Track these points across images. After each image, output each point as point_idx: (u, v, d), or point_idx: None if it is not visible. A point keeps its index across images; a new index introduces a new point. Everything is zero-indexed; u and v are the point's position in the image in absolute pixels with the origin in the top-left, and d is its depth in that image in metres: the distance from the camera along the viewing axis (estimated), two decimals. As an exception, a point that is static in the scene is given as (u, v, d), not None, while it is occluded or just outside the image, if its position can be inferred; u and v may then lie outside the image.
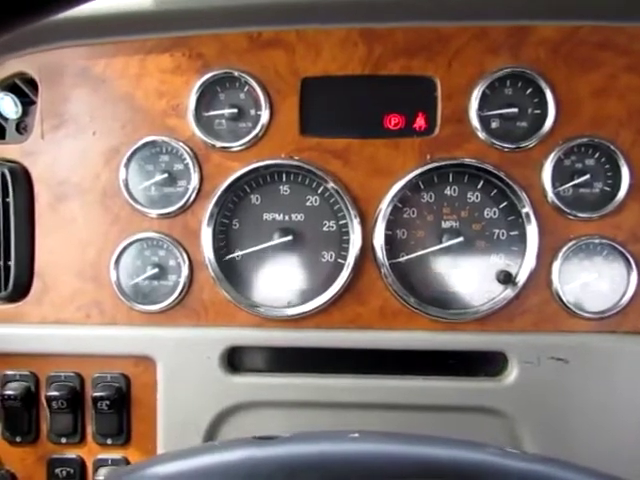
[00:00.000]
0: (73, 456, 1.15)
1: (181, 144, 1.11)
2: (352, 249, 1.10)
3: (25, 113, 1.16)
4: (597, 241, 1.09)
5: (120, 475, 0.70)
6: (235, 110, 1.11)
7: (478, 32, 1.09)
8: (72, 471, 1.14)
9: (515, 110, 1.09)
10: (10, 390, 1.10)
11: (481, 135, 1.09)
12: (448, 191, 1.12)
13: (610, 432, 1.08)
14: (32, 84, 1.15)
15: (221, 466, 0.61)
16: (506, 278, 1.08)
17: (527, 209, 1.08)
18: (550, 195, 1.09)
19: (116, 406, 1.10)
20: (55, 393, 1.10)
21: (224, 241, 1.13)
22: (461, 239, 1.09)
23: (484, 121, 1.09)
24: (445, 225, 1.12)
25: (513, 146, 1.09)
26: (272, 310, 1.12)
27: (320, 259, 1.13)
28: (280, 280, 1.13)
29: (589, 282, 1.10)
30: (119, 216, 1.13)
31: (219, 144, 1.11)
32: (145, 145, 1.12)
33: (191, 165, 1.11)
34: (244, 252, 1.12)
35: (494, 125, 1.10)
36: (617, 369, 1.08)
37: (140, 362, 1.12)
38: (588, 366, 1.08)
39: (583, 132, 1.09)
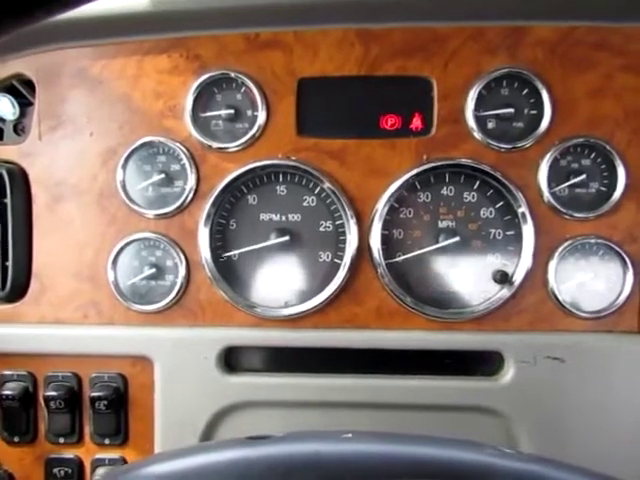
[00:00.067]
0: (71, 456, 1.15)
1: (178, 145, 1.11)
2: (349, 249, 1.10)
3: (23, 114, 1.16)
4: (593, 241, 1.09)
5: (115, 475, 0.70)
6: (232, 111, 1.11)
7: (474, 32, 1.09)
8: (70, 471, 1.14)
9: (511, 110, 1.09)
10: (8, 390, 1.11)
11: (477, 135, 1.09)
12: (444, 191, 1.12)
13: (606, 432, 1.08)
14: (29, 85, 1.15)
15: (214, 466, 0.61)
16: (502, 278, 1.09)
17: (523, 209, 1.09)
18: (546, 195, 1.09)
19: (114, 406, 1.10)
20: (53, 393, 1.10)
21: (221, 241, 1.13)
22: (457, 239, 1.09)
23: (480, 121, 1.09)
24: (441, 225, 1.12)
25: (509, 146, 1.09)
26: (269, 310, 1.12)
27: (317, 259, 1.13)
28: (277, 280, 1.14)
29: (585, 282, 1.11)
30: (116, 217, 1.13)
31: (216, 145, 1.11)
32: (142, 146, 1.12)
33: (188, 166, 1.11)
34: (240, 251, 1.12)
35: (490, 125, 1.11)
36: (613, 368, 1.09)
37: (137, 362, 1.12)
38: (584, 365, 1.08)
39: (579, 132, 1.09)
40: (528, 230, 1.09)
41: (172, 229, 1.13)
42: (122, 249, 1.13)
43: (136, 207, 1.12)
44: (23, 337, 1.13)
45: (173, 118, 1.12)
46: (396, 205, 1.12)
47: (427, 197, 1.12)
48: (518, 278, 1.09)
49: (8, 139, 1.18)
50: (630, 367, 1.09)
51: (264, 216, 1.13)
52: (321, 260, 1.13)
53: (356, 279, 1.11)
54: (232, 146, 1.11)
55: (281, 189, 1.13)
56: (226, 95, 1.12)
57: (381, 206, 1.10)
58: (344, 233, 1.11)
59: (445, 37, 1.09)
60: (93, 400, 1.09)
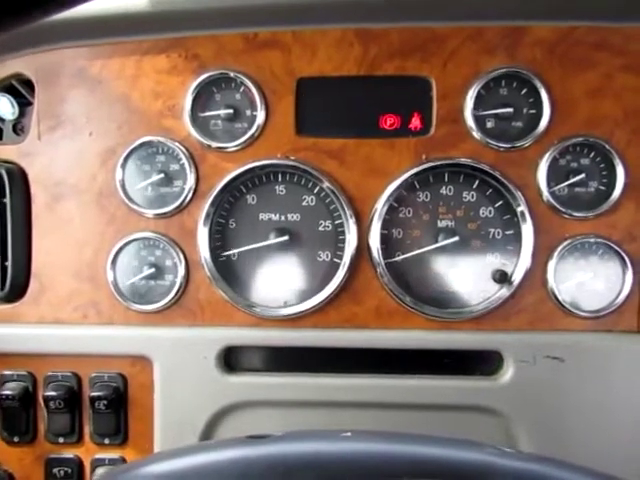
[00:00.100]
0: (71, 456, 1.15)
1: (177, 144, 1.11)
2: (348, 249, 1.10)
3: (22, 114, 1.16)
4: (592, 240, 1.09)
5: (115, 474, 0.70)
6: (231, 110, 1.11)
7: (473, 32, 1.09)
8: (70, 471, 1.14)
9: (510, 110, 1.09)
10: (8, 390, 1.11)
11: (476, 135, 1.09)
12: (444, 190, 1.12)
13: (606, 431, 1.08)
14: (29, 85, 1.15)
15: (214, 465, 0.61)
16: (502, 277, 1.09)
17: (522, 208, 1.09)
18: (545, 194, 1.09)
19: (113, 406, 1.10)
20: (52, 393, 1.10)
21: (220, 241, 1.13)
22: (457, 238, 1.09)
23: (479, 121, 1.09)
24: (441, 224, 1.12)
25: (508, 146, 1.09)
26: (268, 310, 1.12)
27: (316, 259, 1.13)
28: (276, 280, 1.14)
29: (584, 281, 1.11)
30: (115, 216, 1.13)
31: (215, 144, 1.11)
32: (141, 145, 1.12)
33: (187, 165, 1.11)
34: (239, 250, 1.12)
35: (489, 125, 1.11)
36: (613, 368, 1.09)
37: (137, 362, 1.12)
38: (584, 365, 1.08)
39: (578, 132, 1.09)
40: (527, 229, 1.09)
41: (171, 229, 1.13)
42: (121, 249, 1.13)
43: (135, 207, 1.12)
44: (23, 337, 1.13)
45: (172, 118, 1.12)
46: (395, 205, 1.12)
47: (426, 197, 1.12)
48: (517, 277, 1.09)
49: (7, 139, 1.18)
50: (629, 366, 1.09)
51: (263, 216, 1.13)
52: (320, 260, 1.13)
53: (355, 279, 1.11)
54: (231, 146, 1.11)
55: (280, 189, 1.13)
56: (225, 95, 1.12)
57: (380, 206, 1.10)
58: (343, 233, 1.11)
59: (444, 37, 1.09)
60: (93, 400, 1.09)
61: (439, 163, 1.09)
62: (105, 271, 1.13)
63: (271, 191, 1.13)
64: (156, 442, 1.11)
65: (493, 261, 1.12)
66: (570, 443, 1.08)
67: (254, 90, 1.10)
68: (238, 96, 1.12)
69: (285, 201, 1.13)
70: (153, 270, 1.13)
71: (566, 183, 1.10)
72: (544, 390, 1.08)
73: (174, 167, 1.13)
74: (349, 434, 0.66)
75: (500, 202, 1.11)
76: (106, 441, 1.14)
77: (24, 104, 1.16)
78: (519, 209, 1.09)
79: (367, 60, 1.10)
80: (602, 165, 1.10)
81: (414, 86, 1.11)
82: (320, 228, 1.13)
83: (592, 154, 1.10)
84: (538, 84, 1.08)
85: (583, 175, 1.09)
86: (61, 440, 1.14)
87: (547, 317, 1.10)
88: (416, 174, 1.10)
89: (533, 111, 1.10)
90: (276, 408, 1.11)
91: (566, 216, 1.09)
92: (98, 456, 1.15)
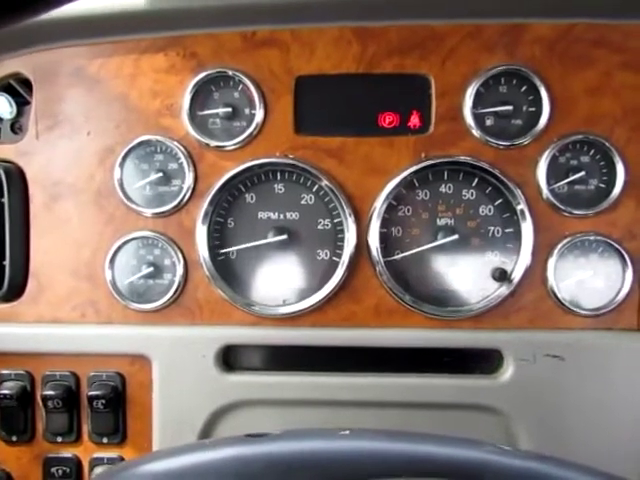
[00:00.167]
0: (69, 455, 1.15)
1: (175, 143, 1.11)
2: (347, 247, 1.10)
3: (20, 113, 1.16)
4: (592, 238, 1.09)
5: (113, 473, 0.70)
6: (229, 109, 1.11)
7: (472, 30, 1.09)
8: (68, 470, 1.14)
9: (510, 108, 1.09)
10: (5, 389, 1.10)
11: (476, 133, 1.09)
12: (443, 189, 1.12)
13: (606, 429, 1.08)
14: (27, 84, 1.15)
15: (212, 463, 0.61)
16: (501, 275, 1.08)
17: (522, 206, 1.08)
18: (545, 192, 1.09)
19: (112, 405, 1.10)
20: (51, 392, 1.10)
21: (219, 240, 1.13)
22: (456, 236, 1.09)
23: (478, 119, 1.09)
24: (440, 223, 1.12)
25: (508, 143, 1.09)
26: (267, 308, 1.12)
27: (315, 257, 1.13)
28: (275, 278, 1.13)
29: (584, 279, 1.10)
30: (114, 215, 1.13)
31: (213, 143, 1.11)
32: (139, 144, 1.12)
33: (185, 164, 1.11)
34: (238, 248, 1.12)
35: (489, 123, 1.10)
36: (613, 366, 1.08)
37: (136, 361, 1.12)
38: (584, 363, 1.08)
39: (578, 129, 1.09)
40: (527, 227, 1.09)
41: (170, 228, 1.12)
42: (120, 248, 1.12)
43: (134, 206, 1.12)
44: (21, 336, 1.13)
45: (170, 117, 1.12)
46: (394, 203, 1.11)
47: (425, 195, 1.12)
48: (517, 276, 1.09)
49: (5, 138, 1.18)
50: (629, 364, 1.08)
51: (262, 214, 1.13)
52: (319, 258, 1.13)
53: (354, 277, 1.11)
54: (230, 144, 1.11)
55: (279, 187, 1.13)
56: (223, 93, 1.12)
57: (379, 204, 1.09)
58: (342, 231, 1.11)
59: (443, 35, 1.09)
60: (91, 399, 1.09)
61: (438, 161, 1.09)
62: (103, 270, 1.12)
63: (270, 190, 1.13)
64: (155, 441, 1.11)
65: (493, 259, 1.12)
66: (570, 441, 1.08)
67: (253, 89, 1.10)
68: (236, 95, 1.12)
69: (284, 200, 1.13)
70: (152, 269, 1.12)
71: (566, 181, 1.09)
72: (544, 388, 1.08)
73: (172, 166, 1.13)
74: (347, 433, 0.66)
75: (500, 200, 1.11)
76: (104, 440, 1.14)
77: (22, 103, 1.16)
78: (519, 207, 1.09)
79: (366, 58, 1.09)
80: (602, 163, 1.10)
81: (413, 84, 1.10)
82: (319, 227, 1.13)
83: (592, 152, 1.10)
84: (537, 82, 1.08)
85: (583, 173, 1.09)
86: (59, 439, 1.14)
87: (547, 315, 1.10)
88: (415, 172, 1.09)
89: (532, 109, 1.09)
90: (275, 407, 1.11)
91: (566, 214, 1.09)
92: (96, 455, 1.14)
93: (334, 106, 1.12)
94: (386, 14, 1.09)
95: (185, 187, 1.11)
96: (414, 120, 1.11)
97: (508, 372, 1.08)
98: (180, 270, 1.11)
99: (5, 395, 1.10)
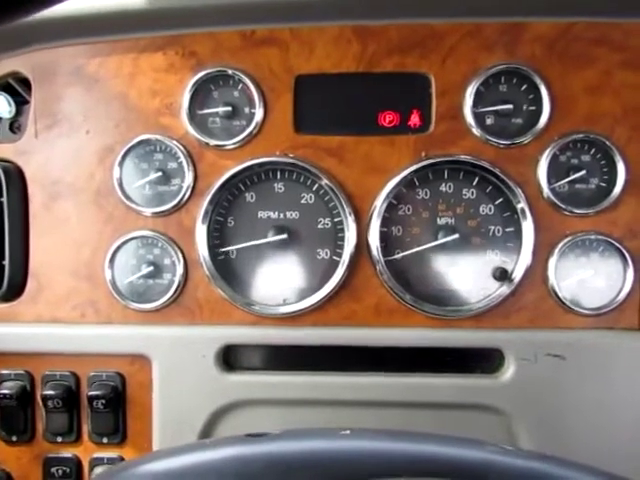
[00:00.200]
0: (69, 455, 1.15)
1: (175, 142, 1.11)
2: (347, 246, 1.10)
3: (19, 112, 1.16)
4: (593, 237, 1.09)
5: (113, 473, 0.70)
6: (229, 108, 1.11)
7: (472, 29, 1.09)
8: (68, 470, 1.14)
9: (510, 106, 1.09)
10: (5, 389, 1.10)
11: (476, 132, 1.09)
12: (443, 188, 1.12)
13: (607, 429, 1.07)
14: (25, 83, 1.15)
15: (212, 463, 0.61)
16: (502, 275, 1.08)
17: (523, 205, 1.08)
18: (546, 191, 1.08)
19: (112, 405, 1.10)
20: (51, 392, 1.09)
21: (219, 239, 1.13)
22: (456, 236, 1.09)
23: (479, 118, 1.09)
24: (440, 222, 1.11)
25: (508, 142, 1.09)
26: (267, 308, 1.12)
27: (315, 257, 1.13)
28: (275, 278, 1.13)
29: (585, 278, 1.10)
30: (113, 215, 1.13)
31: (213, 142, 1.11)
32: (139, 144, 1.11)
33: (185, 163, 1.11)
34: (237, 247, 1.11)
35: (489, 122, 1.10)
36: (614, 366, 1.08)
37: (135, 361, 1.12)
38: (585, 363, 1.07)
39: (578, 128, 1.09)
40: (528, 226, 1.08)
41: (170, 227, 1.12)
42: (119, 247, 1.12)
43: (133, 205, 1.12)
44: (20, 336, 1.13)
45: (170, 116, 1.11)
46: (395, 202, 1.11)
47: (426, 194, 1.12)
48: (518, 275, 1.09)
49: (4, 137, 1.17)
50: (631, 364, 1.08)
51: (262, 214, 1.13)
52: (320, 257, 1.13)
53: (355, 276, 1.11)
54: (229, 143, 1.11)
55: (279, 186, 1.13)
56: (223, 92, 1.12)
57: (380, 203, 1.09)
58: (342, 230, 1.11)
59: (442, 33, 1.09)
60: (91, 399, 1.09)
61: (439, 160, 1.09)
62: (103, 270, 1.12)
63: (270, 189, 1.13)
64: (155, 441, 1.11)
65: (493, 258, 1.11)
66: (571, 441, 1.07)
67: (252, 87, 1.09)
68: (236, 93, 1.12)
69: (284, 199, 1.12)
70: (151, 269, 1.12)
71: (566, 180, 1.09)
72: (545, 388, 1.08)
73: (172, 165, 1.12)
74: (348, 432, 0.65)
75: (500, 199, 1.10)
76: (104, 440, 1.13)
77: (21, 102, 1.16)
78: (519, 206, 1.09)
79: (365, 57, 1.09)
80: (603, 162, 1.10)
81: (413, 83, 1.10)
82: (319, 226, 1.12)
83: (593, 150, 1.10)
84: (538, 80, 1.08)
85: (584, 172, 1.09)
86: (59, 439, 1.14)
87: (548, 315, 1.10)
88: (415, 171, 1.09)
89: (533, 108, 1.09)
90: (275, 407, 1.11)
91: (567, 213, 1.09)
92: (96, 455, 1.14)
93: (334, 105, 1.12)
94: (386, 13, 1.09)
95: (185, 186, 1.11)
96: (414, 119, 1.11)
97: (509, 372, 1.08)
98: (180, 270, 1.11)
99: (5, 395, 1.09)
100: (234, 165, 1.10)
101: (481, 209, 1.11)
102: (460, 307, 1.11)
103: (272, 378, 1.11)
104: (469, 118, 1.08)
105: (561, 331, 1.09)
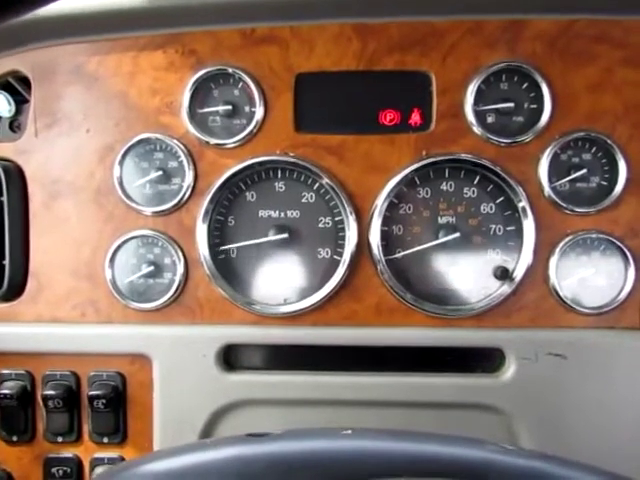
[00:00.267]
0: (70, 455, 1.14)
1: (175, 141, 1.11)
2: (348, 246, 1.09)
3: (18, 111, 1.16)
4: (594, 236, 1.09)
5: (113, 473, 0.69)
6: (229, 107, 1.10)
7: (473, 26, 1.08)
8: (69, 470, 1.14)
9: (511, 105, 1.08)
10: (6, 389, 1.10)
11: (477, 130, 1.08)
12: (444, 186, 1.11)
13: (608, 428, 1.07)
14: (25, 82, 1.15)
15: (213, 463, 0.60)
16: (503, 274, 1.08)
17: (524, 204, 1.08)
18: (547, 190, 1.08)
19: (112, 405, 1.10)
20: (51, 392, 1.09)
21: (219, 238, 1.13)
22: (457, 235, 1.09)
23: (480, 116, 1.09)
24: (441, 221, 1.11)
25: (509, 141, 1.09)
26: (268, 307, 1.11)
27: (316, 256, 1.12)
28: (276, 277, 1.13)
29: (586, 277, 1.10)
30: (113, 214, 1.12)
31: (213, 141, 1.10)
32: (139, 143, 1.11)
33: (185, 162, 1.11)
34: (238, 245, 1.11)
35: (490, 120, 1.10)
36: (615, 365, 1.08)
37: (136, 360, 1.12)
38: (586, 362, 1.07)
39: (579, 126, 1.08)
40: (529, 225, 1.08)
41: (170, 226, 1.12)
42: (120, 247, 1.12)
43: (133, 204, 1.11)
44: (21, 336, 1.13)
45: (170, 114, 1.11)
46: (395, 201, 1.11)
47: (427, 193, 1.12)
48: (519, 274, 1.08)
49: (4, 136, 1.17)
50: (632, 363, 1.08)
51: (263, 213, 1.12)
52: (320, 257, 1.12)
53: (355, 276, 1.11)
54: (230, 142, 1.10)
55: (279, 185, 1.12)
56: (223, 91, 1.11)
57: (380, 202, 1.09)
58: (343, 229, 1.11)
59: (443, 31, 1.08)
60: (91, 399, 1.09)
61: (439, 159, 1.09)
62: (103, 269, 1.12)
63: (270, 188, 1.12)
64: (155, 441, 1.11)
65: (494, 257, 1.11)
66: (572, 440, 1.07)
67: (252, 86, 1.09)
68: (236, 92, 1.11)
69: (284, 198, 1.12)
70: (152, 268, 1.12)
71: (568, 178, 1.09)
72: (546, 387, 1.08)
73: (172, 164, 1.12)
74: (349, 432, 0.65)
75: (501, 198, 1.10)
76: (105, 440, 1.13)
77: (20, 101, 1.16)
78: (520, 205, 1.08)
79: (366, 55, 1.09)
80: (604, 160, 1.09)
81: (414, 81, 1.10)
82: (320, 225, 1.12)
83: (594, 149, 1.09)
84: (539, 78, 1.07)
85: (585, 170, 1.08)
86: (60, 439, 1.14)
87: (549, 314, 1.09)
88: (416, 170, 1.09)
89: (534, 106, 1.09)
90: (276, 406, 1.11)
91: (568, 212, 1.09)
92: (97, 455, 1.14)
93: (334, 103, 1.11)
94: (386, 10, 1.09)
95: (185, 185, 1.11)
96: (415, 117, 1.11)
97: (510, 371, 1.08)
98: (180, 269, 1.11)
99: (5, 395, 1.09)
100: (234, 164, 1.10)
101: (482, 208, 1.11)
102: (461, 306, 1.11)
103: (273, 378, 1.11)
104: (470, 116, 1.08)
105: (562, 330, 1.09)
